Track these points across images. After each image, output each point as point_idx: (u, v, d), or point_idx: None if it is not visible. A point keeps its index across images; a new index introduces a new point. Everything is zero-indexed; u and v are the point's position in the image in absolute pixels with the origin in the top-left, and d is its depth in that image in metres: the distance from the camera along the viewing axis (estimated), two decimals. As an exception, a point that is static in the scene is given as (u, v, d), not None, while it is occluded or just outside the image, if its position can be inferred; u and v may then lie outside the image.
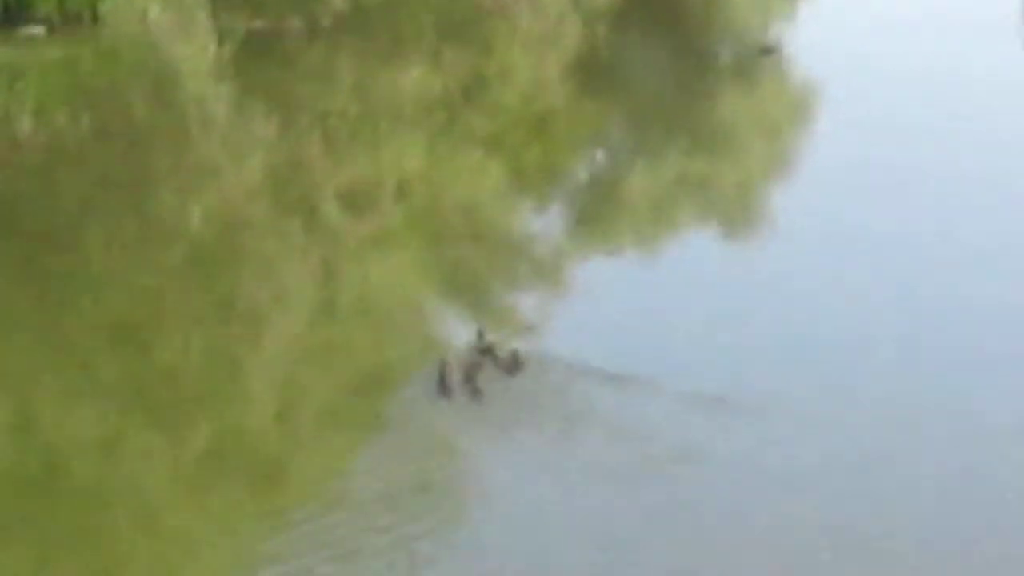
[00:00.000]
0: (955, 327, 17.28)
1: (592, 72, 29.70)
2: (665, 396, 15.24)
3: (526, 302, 18.57)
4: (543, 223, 22.10)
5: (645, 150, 26.00)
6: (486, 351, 15.98)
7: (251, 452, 14.58)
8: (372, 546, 12.85)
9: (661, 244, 21.24)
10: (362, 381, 16.00)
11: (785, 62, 30.51)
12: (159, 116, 25.82)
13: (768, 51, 30.91)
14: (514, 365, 15.83)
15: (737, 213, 22.47)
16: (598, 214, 22.78)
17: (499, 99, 27.87)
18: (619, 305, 17.75)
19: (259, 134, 24.57)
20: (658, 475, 13.95)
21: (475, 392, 15.41)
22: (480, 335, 16.25)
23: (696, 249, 20.65)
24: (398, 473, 14.10)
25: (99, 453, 14.34)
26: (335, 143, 24.25)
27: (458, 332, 16.80)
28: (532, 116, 27.21)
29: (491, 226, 21.56)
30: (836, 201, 21.33)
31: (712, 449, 14.36)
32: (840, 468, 14.16)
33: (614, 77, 29.93)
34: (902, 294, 18.12)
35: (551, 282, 19.43)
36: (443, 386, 15.41)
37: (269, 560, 12.61)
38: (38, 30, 29.28)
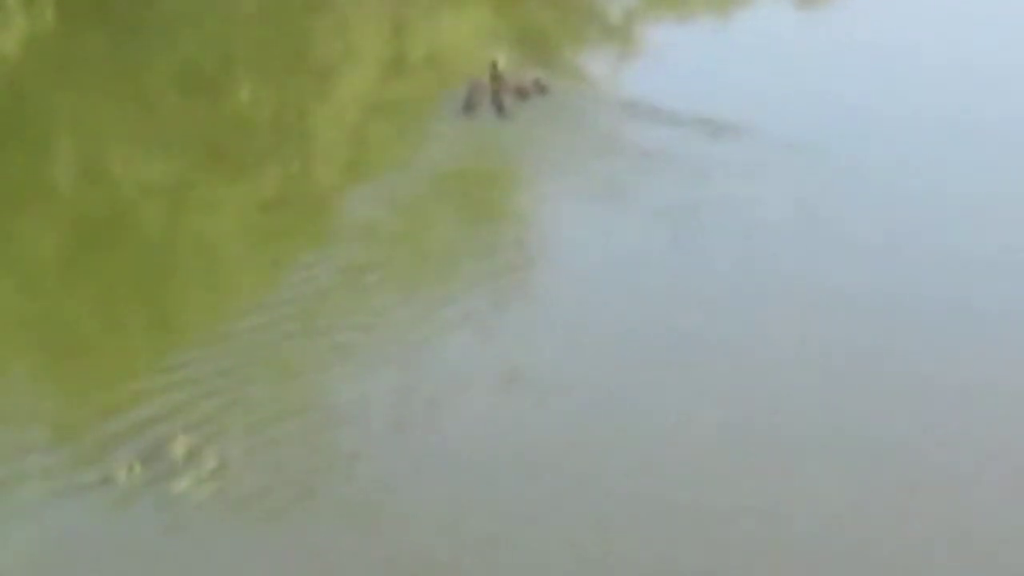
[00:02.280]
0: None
1: None
2: (718, 137, 15.30)
3: (591, 57, 18.56)
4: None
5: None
6: (510, 75, 16.31)
7: (311, 199, 14.78)
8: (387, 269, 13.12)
9: (731, 11, 21.11)
10: (422, 131, 16.18)
11: None
12: None
13: None
14: (538, 90, 16.33)
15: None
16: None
17: None
18: (681, 62, 17.78)
19: None
20: (688, 205, 13.96)
21: (500, 110, 15.92)
22: (509, 61, 16.50)
23: (765, 18, 20.54)
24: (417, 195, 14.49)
25: (165, 200, 14.49)
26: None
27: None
28: None
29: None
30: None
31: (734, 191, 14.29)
32: (885, 225, 13.84)
33: None
34: (971, 63, 17.97)
35: (619, 41, 19.38)
36: (468, 104, 15.95)
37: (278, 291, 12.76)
38: None
